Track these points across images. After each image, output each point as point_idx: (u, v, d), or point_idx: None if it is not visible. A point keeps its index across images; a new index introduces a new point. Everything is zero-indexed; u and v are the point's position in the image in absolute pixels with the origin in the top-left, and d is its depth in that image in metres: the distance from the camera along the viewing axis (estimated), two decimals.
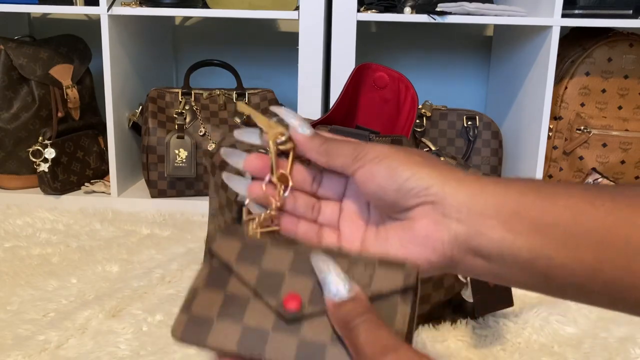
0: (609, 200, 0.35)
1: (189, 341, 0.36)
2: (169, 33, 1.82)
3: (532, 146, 1.42)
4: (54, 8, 1.40)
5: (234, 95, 1.50)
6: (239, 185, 0.43)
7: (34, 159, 1.38)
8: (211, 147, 1.43)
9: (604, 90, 1.47)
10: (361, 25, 1.41)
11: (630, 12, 1.36)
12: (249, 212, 0.42)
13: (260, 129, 0.43)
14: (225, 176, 0.44)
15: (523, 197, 0.36)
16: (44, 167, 1.38)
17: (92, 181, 1.49)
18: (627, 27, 1.39)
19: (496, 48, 1.76)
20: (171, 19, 1.84)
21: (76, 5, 1.43)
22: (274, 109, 0.43)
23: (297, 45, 1.35)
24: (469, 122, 1.49)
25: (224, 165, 0.90)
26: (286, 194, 0.43)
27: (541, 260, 0.36)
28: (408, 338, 0.35)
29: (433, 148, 1.04)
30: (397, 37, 1.85)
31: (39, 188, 1.44)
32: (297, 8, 1.36)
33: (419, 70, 1.87)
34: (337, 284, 0.35)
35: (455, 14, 1.34)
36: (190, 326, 0.36)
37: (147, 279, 1.03)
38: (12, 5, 1.39)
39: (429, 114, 1.48)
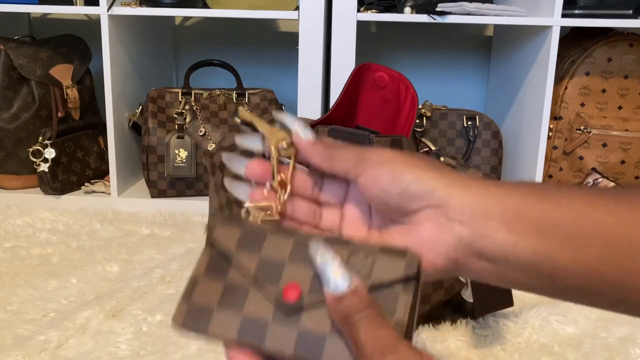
0: (610, 202, 0.35)
1: (189, 330, 0.36)
2: (169, 33, 1.82)
3: (532, 146, 1.42)
4: (54, 8, 1.40)
5: (234, 95, 1.50)
6: (240, 191, 0.43)
7: (34, 159, 1.38)
8: (211, 147, 1.43)
9: (604, 90, 1.47)
10: (361, 25, 1.41)
11: (630, 12, 1.36)
12: (248, 212, 0.42)
13: (262, 134, 0.43)
14: (227, 182, 0.44)
15: (525, 200, 0.36)
16: (44, 167, 1.38)
17: (92, 181, 1.49)
18: (627, 27, 1.39)
19: (496, 48, 1.76)
20: (171, 19, 1.84)
21: (76, 5, 1.43)
22: (276, 114, 0.43)
23: (297, 45, 1.35)
24: (469, 122, 1.49)
25: (224, 165, 0.90)
26: (285, 197, 0.43)
27: (545, 262, 0.36)
28: (409, 329, 0.35)
29: (433, 148, 1.04)
30: (397, 37, 1.85)
31: (39, 188, 1.44)
32: (297, 8, 1.36)
33: (419, 70, 1.87)
34: (336, 278, 0.34)
35: (455, 14, 1.34)
36: (190, 315, 0.36)
37: (147, 279, 1.03)
38: (12, 5, 1.39)
39: (429, 114, 1.48)
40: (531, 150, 1.43)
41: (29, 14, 1.83)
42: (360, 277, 0.35)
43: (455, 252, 0.38)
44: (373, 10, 1.38)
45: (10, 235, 1.24)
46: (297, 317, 0.35)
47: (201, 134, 1.43)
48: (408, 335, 0.35)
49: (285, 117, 0.43)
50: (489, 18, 1.34)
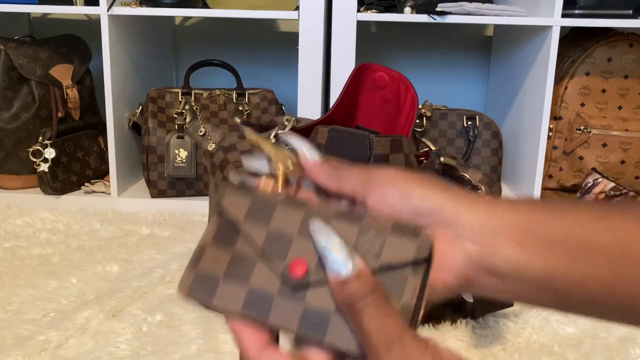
0: (619, 216, 0.35)
1: (195, 299, 0.36)
2: (169, 33, 1.82)
3: (532, 146, 1.42)
4: (54, 8, 1.40)
5: (234, 95, 1.50)
6: (257, 164, 0.43)
7: (34, 159, 1.38)
8: (211, 147, 1.43)
9: (604, 90, 1.47)
10: (361, 25, 1.41)
11: (630, 12, 1.36)
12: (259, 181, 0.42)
13: (268, 156, 0.43)
14: (243, 159, 0.43)
15: (534, 216, 0.37)
16: (44, 167, 1.38)
17: (92, 181, 1.49)
18: (627, 27, 1.39)
19: (496, 48, 1.76)
20: (171, 19, 1.84)
21: (76, 5, 1.43)
22: (282, 136, 0.43)
23: (297, 45, 1.35)
24: (469, 122, 1.49)
25: (224, 165, 0.90)
26: None
27: (556, 277, 0.36)
28: (415, 314, 0.34)
29: (433, 148, 1.04)
30: (397, 37, 1.85)
31: (39, 188, 1.44)
32: (297, 8, 1.36)
33: (419, 70, 1.87)
34: (338, 261, 0.34)
35: (455, 14, 1.34)
36: (197, 284, 0.36)
37: (147, 279, 1.03)
38: (12, 5, 1.39)
39: (429, 114, 1.48)
40: (531, 150, 1.43)
41: (29, 14, 1.83)
42: (369, 257, 0.34)
43: (465, 269, 0.38)
44: (373, 10, 1.38)
45: (10, 235, 1.24)
46: (302, 293, 0.34)
47: (201, 134, 1.43)
48: (414, 320, 0.34)
49: (291, 139, 0.43)
50: (489, 18, 1.34)
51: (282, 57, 1.87)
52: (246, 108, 1.49)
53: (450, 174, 0.86)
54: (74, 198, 1.43)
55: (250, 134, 0.44)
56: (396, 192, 0.38)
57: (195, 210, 1.39)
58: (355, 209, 0.41)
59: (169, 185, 1.43)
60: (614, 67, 1.46)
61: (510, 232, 0.36)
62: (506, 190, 1.55)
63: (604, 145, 1.45)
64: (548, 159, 1.50)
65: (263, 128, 0.96)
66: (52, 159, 1.39)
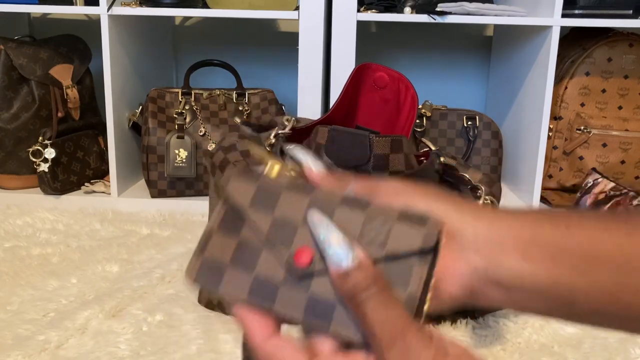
0: (623, 225, 0.35)
1: (202, 285, 0.36)
2: (169, 33, 1.82)
3: (532, 146, 1.42)
4: (54, 8, 1.40)
5: (234, 95, 1.50)
6: (300, 153, 0.42)
7: (34, 159, 1.38)
8: (211, 147, 1.43)
9: (604, 90, 1.47)
10: (361, 25, 1.41)
11: (630, 12, 1.36)
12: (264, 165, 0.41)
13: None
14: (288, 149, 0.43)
15: (538, 226, 0.37)
16: (44, 167, 1.38)
17: (92, 181, 1.49)
18: (627, 27, 1.39)
19: (496, 48, 1.76)
20: (171, 19, 1.84)
21: (76, 5, 1.43)
22: (288, 149, 0.42)
23: (297, 45, 1.35)
24: (469, 122, 1.49)
25: (224, 165, 0.90)
26: None
27: (561, 288, 0.36)
28: (420, 305, 0.34)
29: (433, 148, 1.04)
30: (397, 37, 1.85)
31: (39, 188, 1.44)
32: (297, 8, 1.36)
33: (419, 70, 1.87)
34: (339, 253, 0.33)
35: (455, 14, 1.34)
36: (204, 270, 0.36)
37: (147, 279, 1.03)
38: (12, 5, 1.39)
39: (429, 114, 1.48)
40: (531, 150, 1.43)
41: (29, 14, 1.83)
42: (374, 245, 0.34)
43: (470, 280, 0.37)
44: (373, 10, 1.38)
45: (10, 235, 1.24)
46: (307, 282, 0.34)
47: (201, 134, 1.43)
48: (420, 311, 0.34)
49: (295, 151, 0.43)
50: (489, 18, 1.34)
51: (282, 57, 1.87)
52: (246, 108, 1.49)
53: (450, 174, 0.86)
54: (74, 198, 1.43)
55: (255, 149, 0.43)
56: (400, 203, 0.38)
57: (195, 210, 1.39)
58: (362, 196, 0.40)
59: (169, 185, 1.43)
60: (614, 67, 1.46)
61: (514, 243, 0.36)
62: (506, 190, 1.55)
63: (604, 145, 1.45)
64: (548, 159, 1.50)
65: (263, 128, 0.96)
66: (52, 159, 1.39)
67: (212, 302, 0.94)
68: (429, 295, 0.34)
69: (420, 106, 1.49)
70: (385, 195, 0.39)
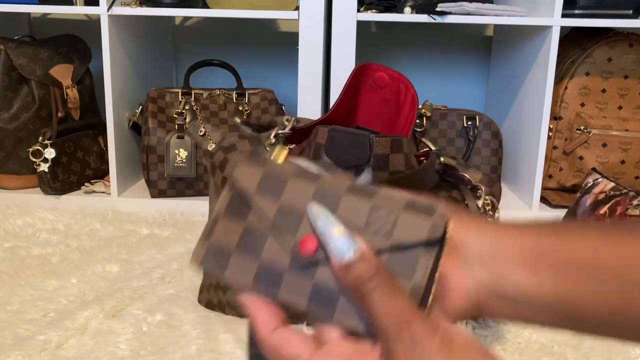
0: (628, 236, 0.35)
1: (208, 269, 0.36)
2: (169, 33, 1.82)
3: (532, 146, 1.42)
4: (54, 8, 1.40)
5: (234, 95, 1.50)
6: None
7: (34, 159, 1.38)
8: (211, 147, 1.43)
9: (604, 90, 1.47)
10: (361, 25, 1.41)
11: (630, 12, 1.36)
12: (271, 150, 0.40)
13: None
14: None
15: (542, 239, 0.37)
16: (44, 167, 1.38)
17: (92, 181, 1.49)
18: (627, 27, 1.39)
19: (496, 48, 1.76)
20: (171, 19, 1.84)
21: (76, 5, 1.43)
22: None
23: (297, 45, 1.35)
24: (469, 122, 1.49)
25: (224, 165, 0.90)
26: None
27: (566, 300, 0.36)
28: (426, 294, 0.33)
29: (433, 148, 1.04)
30: (397, 37, 1.85)
31: (39, 188, 1.44)
32: (297, 8, 1.36)
33: (419, 70, 1.87)
34: (340, 246, 0.33)
35: (455, 14, 1.34)
36: (210, 254, 0.36)
37: (147, 279, 1.03)
38: (12, 5, 1.39)
39: (429, 114, 1.48)
40: (531, 150, 1.43)
41: (29, 14, 1.83)
42: (380, 235, 0.34)
43: (476, 295, 0.37)
44: (373, 10, 1.38)
45: (10, 235, 1.24)
46: (312, 270, 0.34)
47: (201, 134, 1.43)
48: (425, 301, 0.33)
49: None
50: (489, 18, 1.34)
51: (282, 57, 1.87)
52: (246, 108, 1.49)
53: (450, 174, 0.86)
54: (74, 198, 1.43)
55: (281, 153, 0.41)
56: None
57: (195, 210, 1.39)
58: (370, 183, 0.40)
59: (169, 185, 1.43)
60: (614, 67, 1.46)
61: (519, 257, 0.36)
62: (506, 190, 1.55)
63: (604, 145, 1.45)
64: (548, 159, 1.50)
65: (263, 128, 0.96)
66: (52, 159, 1.39)
67: (212, 302, 0.94)
68: (434, 287, 0.34)
69: (420, 106, 1.49)
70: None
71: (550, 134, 1.48)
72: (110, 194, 1.45)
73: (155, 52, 1.70)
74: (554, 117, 1.49)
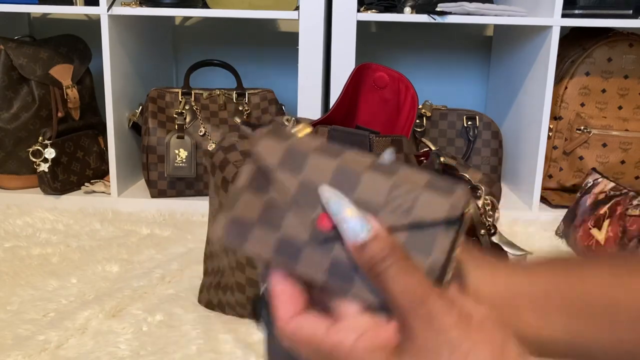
0: (636, 274, 0.35)
1: (229, 242, 0.36)
2: (169, 33, 1.82)
3: (532, 146, 1.42)
4: (54, 8, 1.40)
5: (234, 95, 1.50)
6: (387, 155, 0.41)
7: (34, 159, 1.38)
8: (211, 147, 1.43)
9: (604, 90, 1.47)
10: (361, 25, 1.41)
11: (630, 12, 1.36)
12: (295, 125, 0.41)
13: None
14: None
15: (552, 280, 0.36)
16: (44, 167, 1.38)
17: (92, 181, 1.49)
18: (627, 27, 1.39)
19: (496, 48, 1.76)
20: (171, 19, 1.84)
21: (76, 5, 1.43)
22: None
23: (297, 45, 1.35)
24: (469, 122, 1.49)
25: (224, 165, 0.90)
26: None
27: (578, 341, 0.35)
28: (443, 272, 0.33)
29: (433, 148, 1.04)
30: (397, 37, 1.85)
31: (39, 188, 1.44)
32: (297, 8, 1.36)
33: (419, 70, 1.87)
34: (353, 227, 0.33)
35: (455, 14, 1.34)
36: (232, 227, 0.36)
37: (147, 279, 1.03)
38: (12, 5, 1.39)
39: (429, 114, 1.48)
40: (531, 150, 1.43)
41: (29, 14, 1.83)
42: (399, 212, 0.34)
43: None
44: (373, 10, 1.38)
45: (10, 235, 1.24)
46: (330, 245, 0.34)
47: (201, 134, 1.43)
48: (441, 278, 0.33)
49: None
50: (489, 18, 1.34)
51: (282, 57, 1.87)
52: (246, 108, 1.49)
53: (450, 174, 0.86)
54: (74, 198, 1.43)
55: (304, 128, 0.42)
56: None
57: (195, 210, 1.39)
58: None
59: (169, 185, 1.43)
60: (614, 67, 1.46)
61: (530, 299, 0.36)
62: (506, 190, 1.55)
63: (604, 145, 1.45)
64: (548, 159, 1.50)
65: None
66: (52, 159, 1.39)
67: (212, 302, 0.94)
68: (451, 266, 0.34)
69: (420, 106, 1.49)
70: None
71: (550, 134, 1.48)
72: (110, 194, 1.45)
73: (155, 52, 1.70)
74: (554, 117, 1.49)
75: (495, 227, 0.84)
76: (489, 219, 0.83)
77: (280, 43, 1.87)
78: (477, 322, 0.32)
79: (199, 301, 0.96)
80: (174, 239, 1.23)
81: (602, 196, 1.20)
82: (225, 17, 1.37)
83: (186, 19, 1.88)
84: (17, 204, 1.39)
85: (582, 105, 1.47)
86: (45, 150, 1.38)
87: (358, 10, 1.34)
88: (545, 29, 1.35)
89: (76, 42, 1.57)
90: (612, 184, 1.20)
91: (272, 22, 1.86)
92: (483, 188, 0.86)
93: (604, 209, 1.17)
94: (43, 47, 1.47)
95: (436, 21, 1.32)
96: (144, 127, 1.42)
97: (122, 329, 0.87)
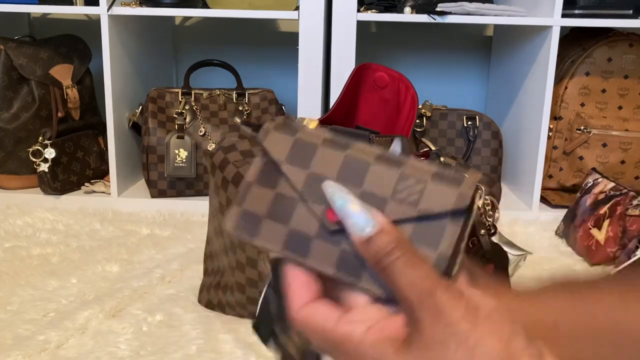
0: None
1: (240, 235, 0.37)
2: (169, 33, 1.82)
3: (532, 146, 1.42)
4: (54, 8, 1.40)
5: (234, 95, 1.50)
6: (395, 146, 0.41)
7: (34, 159, 1.38)
8: (211, 147, 1.43)
9: (604, 90, 1.47)
10: (361, 25, 1.41)
11: (630, 12, 1.36)
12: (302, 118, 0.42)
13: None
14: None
15: (558, 306, 0.36)
16: (44, 167, 1.38)
17: (92, 181, 1.49)
18: (627, 27, 1.39)
19: (496, 48, 1.76)
20: (171, 19, 1.84)
21: (76, 5, 1.43)
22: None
23: (297, 45, 1.35)
24: (469, 122, 1.49)
25: (224, 165, 0.90)
26: None
27: None
28: (451, 264, 0.33)
29: (433, 148, 1.04)
30: (397, 37, 1.85)
31: (39, 188, 1.44)
32: (297, 8, 1.36)
33: (419, 70, 1.87)
34: (359, 222, 0.33)
35: (455, 14, 1.34)
36: (242, 221, 0.37)
37: (147, 279, 1.03)
38: (12, 5, 1.39)
39: (429, 114, 1.48)
40: (531, 150, 1.43)
41: (29, 14, 1.83)
42: (406, 204, 0.34)
43: None
44: (373, 10, 1.38)
45: (10, 235, 1.24)
46: (339, 237, 0.34)
47: (201, 134, 1.43)
48: (449, 270, 0.33)
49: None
50: (489, 18, 1.34)
51: (282, 57, 1.87)
52: (246, 108, 1.49)
53: None
54: (74, 198, 1.43)
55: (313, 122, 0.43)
56: None
57: (195, 210, 1.39)
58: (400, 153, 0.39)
59: (169, 185, 1.43)
60: (614, 67, 1.46)
61: (534, 328, 0.36)
62: (506, 190, 1.55)
63: (604, 145, 1.45)
64: (548, 159, 1.50)
65: None
66: (52, 159, 1.39)
67: (212, 302, 0.94)
68: (459, 257, 0.34)
69: (420, 106, 1.49)
70: None
71: (550, 134, 1.48)
72: (110, 194, 1.45)
73: (155, 52, 1.70)
74: (554, 117, 1.49)
75: (495, 227, 0.84)
76: (489, 219, 0.83)
77: (280, 43, 1.87)
78: (484, 314, 0.32)
79: (199, 301, 0.96)
80: (174, 239, 1.23)
81: (602, 196, 1.20)
82: (225, 17, 1.37)
83: (186, 19, 1.88)
84: (17, 204, 1.39)
85: (582, 105, 1.47)
86: (45, 150, 1.38)
87: (358, 10, 1.34)
88: (545, 29, 1.35)
89: (76, 42, 1.57)
90: (612, 184, 1.20)
91: (272, 22, 1.86)
92: (483, 188, 0.86)
93: (604, 209, 1.17)
94: (43, 47, 1.47)
95: (436, 21, 1.32)
96: (144, 127, 1.42)
97: (122, 329, 0.87)
